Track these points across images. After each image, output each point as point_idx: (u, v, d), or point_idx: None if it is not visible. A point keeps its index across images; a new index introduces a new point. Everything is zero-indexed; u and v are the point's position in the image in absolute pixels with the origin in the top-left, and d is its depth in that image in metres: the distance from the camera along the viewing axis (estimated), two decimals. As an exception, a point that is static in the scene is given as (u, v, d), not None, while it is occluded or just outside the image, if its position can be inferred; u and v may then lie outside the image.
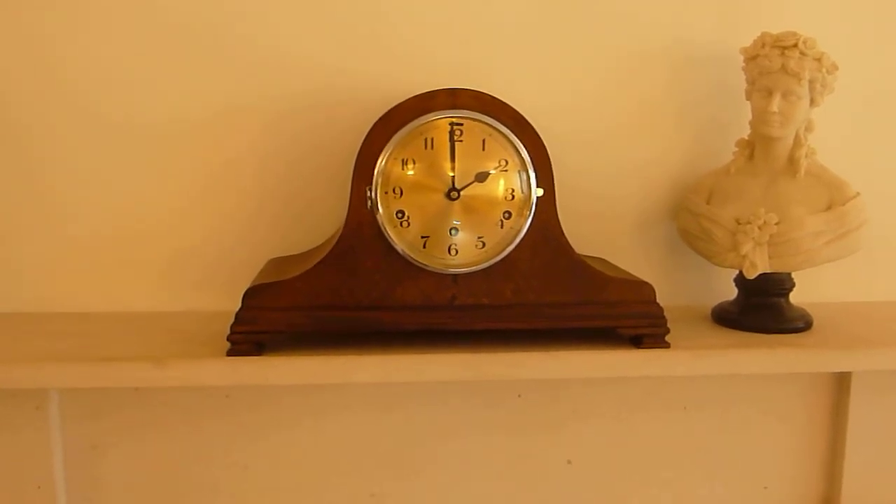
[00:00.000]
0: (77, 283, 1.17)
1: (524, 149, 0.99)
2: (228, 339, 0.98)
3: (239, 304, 0.99)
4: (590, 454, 1.14)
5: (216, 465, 1.08)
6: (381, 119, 0.98)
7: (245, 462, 1.09)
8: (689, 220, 1.18)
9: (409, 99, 0.98)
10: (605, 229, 1.24)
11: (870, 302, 1.29)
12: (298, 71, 1.16)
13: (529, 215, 1.00)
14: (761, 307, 1.14)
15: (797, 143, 1.13)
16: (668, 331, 1.04)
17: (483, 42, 1.19)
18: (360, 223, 0.99)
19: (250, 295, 0.99)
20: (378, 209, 0.98)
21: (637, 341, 1.04)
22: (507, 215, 1.00)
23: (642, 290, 1.04)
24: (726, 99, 1.23)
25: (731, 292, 1.19)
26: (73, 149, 1.15)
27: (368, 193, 0.98)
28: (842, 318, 1.19)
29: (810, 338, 1.11)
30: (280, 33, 1.16)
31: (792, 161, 1.13)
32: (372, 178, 0.98)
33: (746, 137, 1.17)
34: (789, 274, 1.14)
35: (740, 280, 1.16)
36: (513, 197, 1.00)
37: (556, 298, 1.02)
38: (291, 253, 1.18)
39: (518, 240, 1.00)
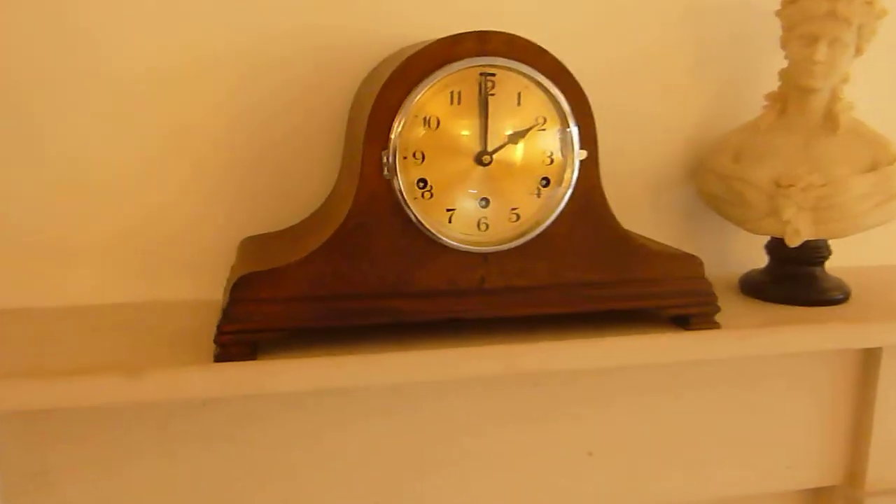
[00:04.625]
0: (11, 273, 0.96)
1: (566, 103, 0.84)
2: (216, 340, 0.80)
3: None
4: (611, 443, 1.03)
5: (200, 475, 0.90)
6: (398, 69, 0.81)
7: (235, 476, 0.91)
8: (715, 182, 1.06)
9: (431, 44, 0.81)
10: (612, 194, 1.12)
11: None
12: (277, 9, 0.97)
13: (571, 182, 0.86)
14: (797, 277, 1.04)
15: (833, 96, 1.02)
16: (718, 309, 0.93)
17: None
18: (374, 195, 0.82)
19: (241, 286, 0.81)
20: (396, 178, 0.82)
21: (683, 321, 0.92)
22: (544, 183, 0.86)
23: (690, 265, 0.92)
24: (745, 51, 1.11)
25: (751, 261, 1.09)
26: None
27: (385, 159, 0.81)
28: (879, 286, 1.11)
29: (850, 310, 1.03)
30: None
31: (829, 116, 1.02)
32: (388, 141, 0.81)
33: (777, 90, 1.06)
34: (826, 241, 1.05)
35: (774, 247, 1.05)
36: (551, 161, 0.85)
37: (595, 277, 0.89)
38: (267, 231, 1.00)
39: (558, 211, 0.86)
